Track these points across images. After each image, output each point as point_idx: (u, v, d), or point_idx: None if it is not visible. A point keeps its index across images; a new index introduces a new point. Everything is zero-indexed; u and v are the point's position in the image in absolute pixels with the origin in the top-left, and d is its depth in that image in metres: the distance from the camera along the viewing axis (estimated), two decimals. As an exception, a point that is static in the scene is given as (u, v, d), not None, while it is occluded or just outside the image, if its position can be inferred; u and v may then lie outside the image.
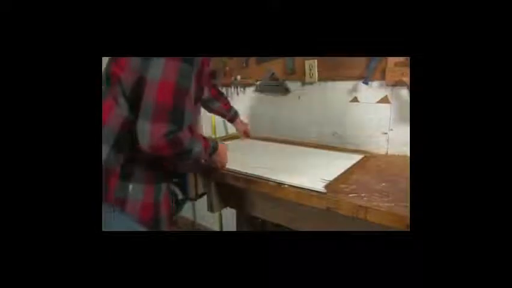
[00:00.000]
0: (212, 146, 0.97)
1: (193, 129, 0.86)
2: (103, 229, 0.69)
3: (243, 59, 1.80)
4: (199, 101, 0.93)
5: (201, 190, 1.11)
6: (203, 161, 1.02)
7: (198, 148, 0.86)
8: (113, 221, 0.81)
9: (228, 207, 1.25)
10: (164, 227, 0.90)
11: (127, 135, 0.80)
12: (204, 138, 0.94)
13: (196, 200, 1.13)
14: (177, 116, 0.75)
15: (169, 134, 0.74)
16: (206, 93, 0.95)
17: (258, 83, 1.75)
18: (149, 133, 0.73)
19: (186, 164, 1.03)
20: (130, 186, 0.82)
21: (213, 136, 2.00)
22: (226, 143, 1.26)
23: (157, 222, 0.88)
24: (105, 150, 0.81)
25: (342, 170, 1.03)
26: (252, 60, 1.77)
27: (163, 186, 0.90)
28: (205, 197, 1.18)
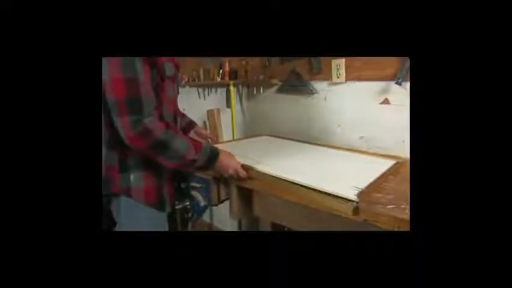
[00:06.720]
0: (209, 150, 0.93)
1: (170, 125, 0.91)
2: (116, 217, 0.90)
3: (265, 58, 1.73)
4: (164, 80, 0.92)
5: (222, 196, 1.05)
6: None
7: (180, 145, 0.86)
8: (123, 208, 0.91)
9: (250, 214, 1.19)
10: (168, 205, 0.98)
11: (116, 133, 0.84)
12: (195, 140, 0.93)
13: (217, 205, 1.08)
14: (134, 104, 0.80)
15: (134, 125, 0.79)
16: (170, 71, 0.93)
17: (281, 83, 1.68)
18: (121, 129, 0.80)
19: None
20: (131, 176, 0.91)
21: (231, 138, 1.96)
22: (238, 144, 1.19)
23: (162, 202, 0.96)
24: (103, 150, 0.90)
25: (375, 177, 0.95)
26: (275, 59, 1.70)
27: (163, 170, 0.94)
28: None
